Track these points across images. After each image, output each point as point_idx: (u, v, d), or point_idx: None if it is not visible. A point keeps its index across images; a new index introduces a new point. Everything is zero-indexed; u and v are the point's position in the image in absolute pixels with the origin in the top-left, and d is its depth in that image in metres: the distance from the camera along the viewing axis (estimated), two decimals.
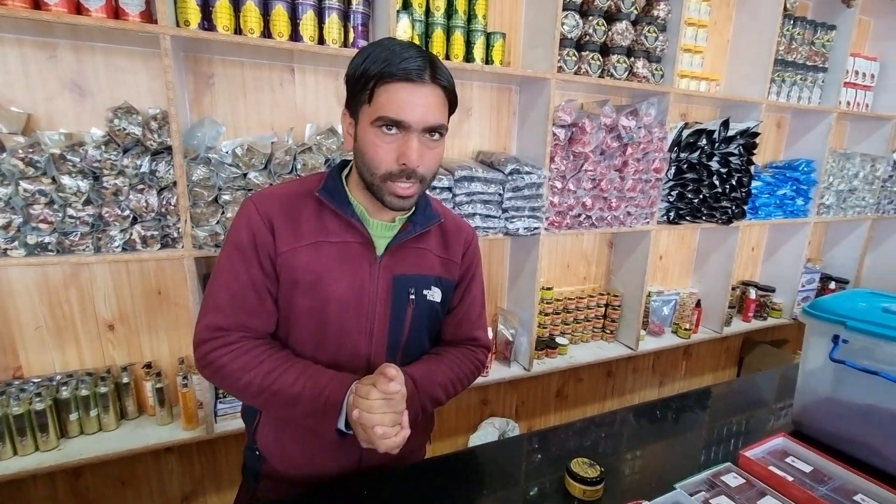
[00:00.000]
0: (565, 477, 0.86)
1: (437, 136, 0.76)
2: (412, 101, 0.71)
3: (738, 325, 2.53)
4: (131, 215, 1.27)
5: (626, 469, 0.95)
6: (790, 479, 0.84)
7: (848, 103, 2.42)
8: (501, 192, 1.66)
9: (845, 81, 2.34)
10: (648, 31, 1.77)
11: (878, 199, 2.66)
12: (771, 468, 0.86)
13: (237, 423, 1.50)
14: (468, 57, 1.61)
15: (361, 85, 0.74)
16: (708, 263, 2.47)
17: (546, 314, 2.10)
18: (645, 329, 2.33)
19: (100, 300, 1.46)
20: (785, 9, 2.02)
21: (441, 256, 0.90)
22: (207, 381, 1.45)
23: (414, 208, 0.87)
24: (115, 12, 1.19)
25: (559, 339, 2.12)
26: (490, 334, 1.89)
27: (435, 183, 1.53)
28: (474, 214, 1.64)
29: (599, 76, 1.76)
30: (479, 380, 1.88)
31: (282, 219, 0.80)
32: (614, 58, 1.75)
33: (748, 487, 0.84)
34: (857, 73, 2.40)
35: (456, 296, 0.94)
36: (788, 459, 0.92)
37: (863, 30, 2.62)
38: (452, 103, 0.79)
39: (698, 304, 2.41)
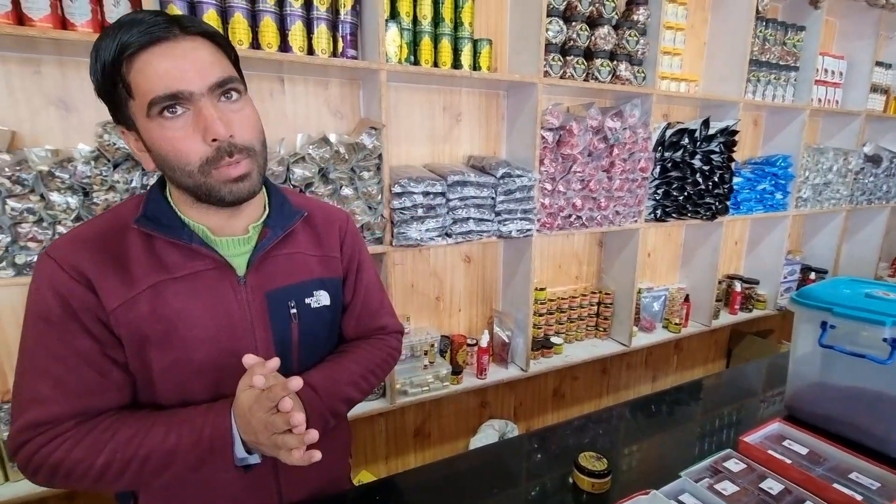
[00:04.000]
0: (573, 471, 0.88)
1: (233, 94, 0.62)
2: (175, 63, 0.57)
3: (726, 318, 2.59)
4: None
5: (630, 461, 0.97)
6: (788, 461, 0.87)
7: (819, 100, 2.51)
8: (494, 195, 1.68)
9: (816, 79, 2.43)
10: (630, 35, 1.82)
11: (852, 191, 2.76)
12: (770, 452, 0.89)
13: None
14: (456, 64, 1.63)
15: (112, 80, 0.58)
16: (694, 259, 2.53)
17: (540, 314, 2.12)
18: (637, 325, 2.37)
19: None
20: (757, 11, 2.10)
21: (316, 255, 0.79)
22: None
23: (268, 210, 0.76)
24: (101, 26, 1.18)
25: (554, 339, 2.14)
26: (487, 336, 1.90)
27: (428, 188, 1.55)
28: (468, 219, 1.65)
29: (584, 80, 1.80)
30: (478, 382, 1.90)
31: (99, 268, 0.62)
32: (598, 61, 1.79)
33: (749, 472, 0.86)
34: (826, 71, 2.50)
35: (347, 291, 0.85)
36: (785, 443, 0.95)
37: (830, 30, 2.73)
38: (230, 53, 0.65)
39: (687, 298, 2.47)
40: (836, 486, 0.81)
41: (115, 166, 1.24)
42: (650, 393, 1.29)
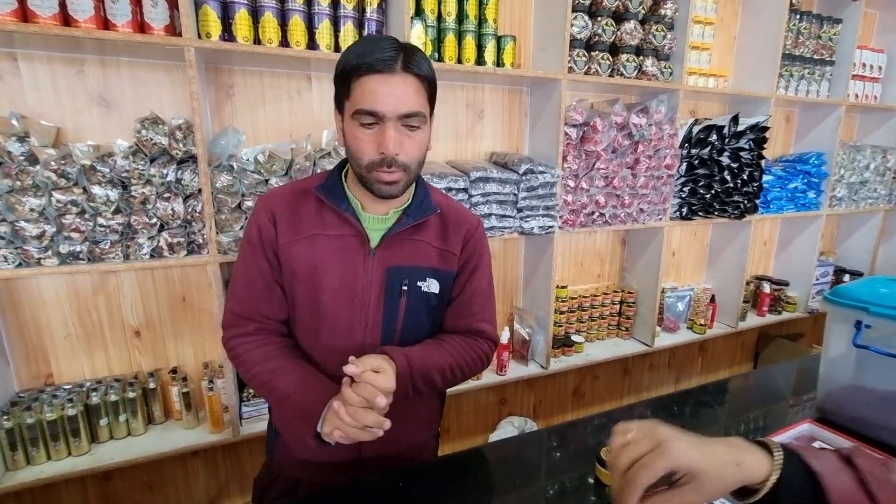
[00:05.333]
0: (595, 465, 0.88)
1: (415, 123, 0.78)
2: (383, 91, 0.74)
3: (753, 320, 2.53)
4: (158, 223, 1.31)
5: None
6: (878, 456, 0.85)
7: (856, 96, 2.42)
8: (516, 191, 1.68)
9: (853, 74, 2.34)
10: (656, 30, 1.79)
11: (890, 191, 2.65)
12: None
13: (262, 426, 1.52)
14: (480, 60, 1.64)
15: (342, 81, 0.78)
16: (721, 258, 2.47)
17: (561, 312, 2.11)
18: (660, 325, 2.33)
19: (126, 307, 1.49)
20: (791, 4, 2.03)
21: (439, 248, 0.91)
22: (232, 386, 1.48)
23: (410, 201, 0.90)
24: (141, 27, 1.23)
25: (575, 338, 2.13)
26: (507, 333, 1.90)
27: (451, 184, 1.56)
28: (490, 215, 1.66)
29: (609, 75, 1.78)
30: (497, 378, 1.90)
31: (285, 214, 0.86)
32: (624, 57, 1.77)
33: None
34: (864, 65, 2.41)
35: (456, 286, 0.95)
36: (815, 444, 0.93)
37: (869, 22, 2.63)
38: (431, 91, 0.81)
39: (712, 299, 2.42)
40: None
41: (152, 160, 1.29)
42: (673, 392, 1.26)
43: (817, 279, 2.63)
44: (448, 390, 1.68)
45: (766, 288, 2.56)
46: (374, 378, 0.73)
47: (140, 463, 1.39)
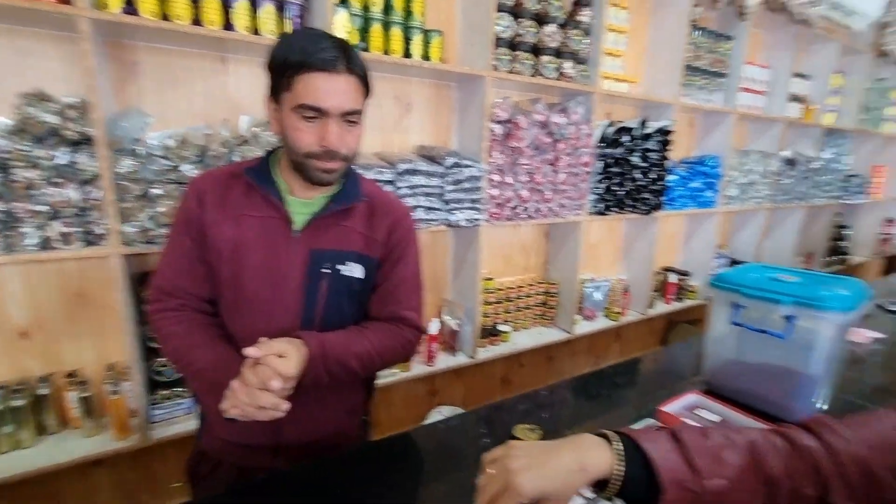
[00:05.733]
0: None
1: (354, 119, 0.84)
2: (328, 89, 0.78)
3: (661, 307, 2.77)
4: (50, 211, 1.18)
5: (563, 432, 1.04)
6: (698, 426, 0.97)
7: (746, 106, 2.73)
8: (443, 184, 1.71)
9: (742, 87, 2.63)
10: (575, 35, 1.90)
11: (772, 192, 3.02)
12: (683, 419, 0.98)
13: (176, 429, 1.44)
14: (407, 53, 1.64)
15: (281, 73, 0.80)
16: (633, 251, 2.68)
17: (489, 303, 2.19)
18: (580, 314, 2.49)
19: (11, 305, 1.33)
20: (692, 20, 2.24)
21: (364, 234, 0.94)
22: (141, 388, 1.38)
23: (340, 188, 0.93)
24: None
25: (502, 327, 2.21)
26: (437, 325, 1.94)
27: (378, 176, 1.56)
28: (417, 207, 1.68)
29: (532, 76, 1.86)
30: (427, 369, 1.93)
31: (213, 194, 0.88)
32: (545, 58, 1.86)
33: None
34: (752, 79, 2.71)
35: (381, 274, 0.97)
36: (697, 411, 1.05)
37: (756, 41, 2.97)
38: (367, 88, 0.86)
39: (626, 289, 2.62)
40: None
41: (38, 141, 1.16)
42: (585, 372, 1.36)
43: (714, 270, 2.93)
44: (377, 383, 1.72)
45: (672, 278, 2.82)
46: (273, 362, 0.75)
47: (30, 478, 1.25)
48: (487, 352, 2.12)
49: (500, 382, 2.51)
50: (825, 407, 1.11)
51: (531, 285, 2.33)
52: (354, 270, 0.92)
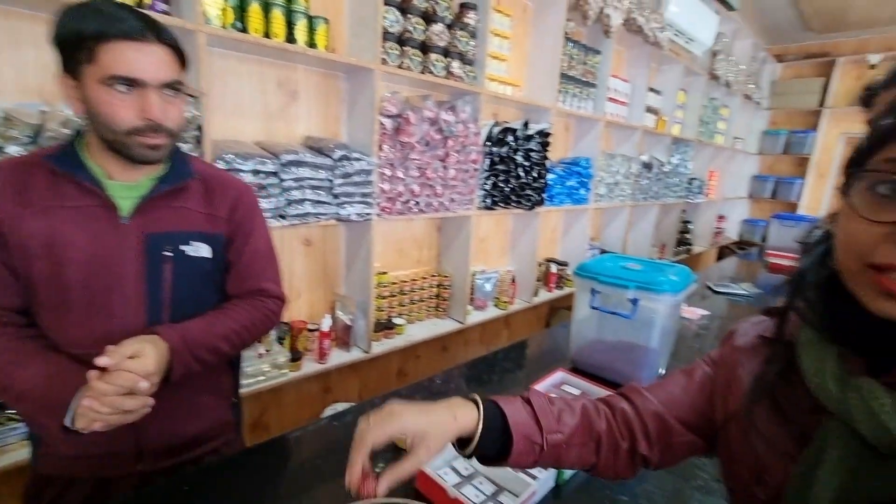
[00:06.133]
0: None
1: (175, 90, 0.80)
2: (142, 59, 0.73)
3: (545, 295, 3.02)
4: None
5: None
6: (545, 394, 1.09)
7: (612, 114, 3.08)
8: (332, 177, 1.67)
9: (608, 97, 2.97)
10: (461, 36, 1.98)
11: (633, 191, 3.46)
12: (550, 395, 1.09)
13: (8, 458, 1.21)
14: (290, 38, 1.57)
15: (77, 45, 0.72)
16: (519, 244, 2.89)
17: (383, 297, 2.19)
18: (472, 304, 2.61)
19: None
20: (566, 32, 2.46)
21: (204, 213, 0.90)
22: None
23: (167, 168, 0.87)
24: None
25: (396, 320, 2.23)
26: (329, 321, 1.89)
27: (259, 167, 1.46)
28: (304, 200, 1.62)
29: (421, 72, 1.89)
30: (319, 367, 1.89)
31: (7, 187, 0.78)
32: (433, 56, 1.91)
33: None
34: (616, 91, 3.07)
35: (233, 251, 0.95)
36: (563, 387, 1.18)
37: (619, 57, 3.35)
38: (182, 60, 0.82)
39: (513, 279, 2.81)
40: None
41: None
42: (468, 360, 1.44)
43: (587, 260, 3.27)
44: (265, 384, 1.65)
45: (553, 268, 3.09)
46: (129, 364, 0.71)
47: None
48: (382, 345, 2.13)
49: (397, 375, 2.54)
50: (663, 371, 1.31)
51: (424, 278, 2.38)
52: (201, 250, 0.88)
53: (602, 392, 1.14)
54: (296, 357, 1.83)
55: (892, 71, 0.90)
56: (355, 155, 1.71)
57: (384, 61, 1.76)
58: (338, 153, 1.65)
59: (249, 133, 1.69)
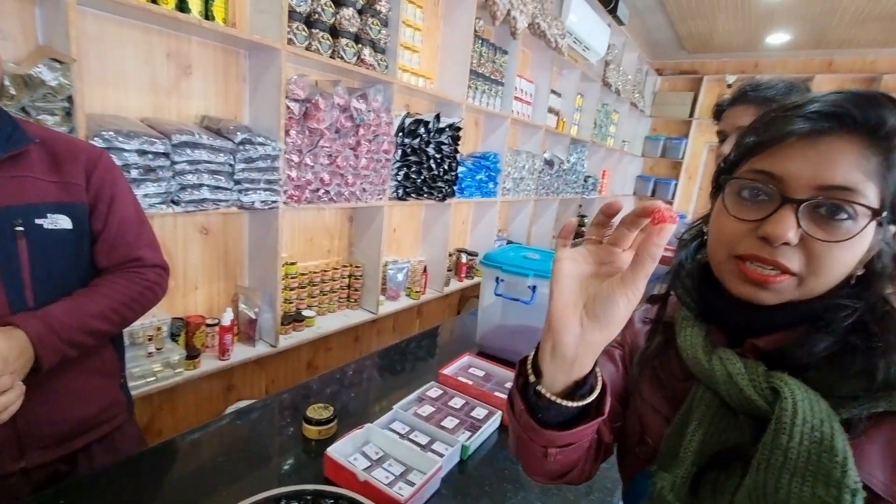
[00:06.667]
0: (302, 424, 0.94)
1: None
2: None
3: (455, 285, 3.12)
4: None
5: (357, 405, 1.10)
6: (470, 382, 1.15)
7: (518, 112, 3.25)
8: (232, 162, 1.56)
9: (515, 96, 3.13)
10: (373, 23, 1.95)
11: (537, 186, 3.69)
12: (459, 378, 1.16)
13: None
14: (183, 6, 1.43)
15: None
16: (431, 235, 2.94)
17: (291, 289, 2.11)
18: (384, 295, 2.62)
19: None
20: (475, 30, 2.54)
21: (54, 181, 0.83)
22: None
23: None
24: None
25: (306, 312, 2.17)
26: (230, 314, 1.78)
27: (147, 147, 1.33)
28: (201, 185, 1.50)
29: (331, 56, 1.84)
30: (220, 364, 1.78)
31: None
32: (343, 41, 1.86)
33: (444, 395, 1.10)
34: (522, 90, 3.24)
35: (97, 220, 0.88)
36: (471, 370, 1.25)
37: (525, 58, 3.54)
38: None
39: (425, 269, 2.86)
40: (496, 393, 1.11)
41: None
42: (377, 350, 1.46)
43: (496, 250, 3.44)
44: (156, 386, 1.53)
45: (464, 258, 3.20)
46: None
47: None
48: (291, 338, 2.06)
49: (307, 367, 2.47)
50: None
51: (336, 269, 2.33)
52: (60, 222, 0.82)
53: (505, 373, 1.23)
54: (192, 355, 1.70)
55: (736, 91, 1.09)
56: (259, 139, 1.62)
57: (291, 41, 1.68)
58: (239, 136, 1.55)
59: (134, 108, 1.51)
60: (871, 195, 0.42)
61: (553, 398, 0.44)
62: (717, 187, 0.51)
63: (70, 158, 0.85)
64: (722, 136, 1.13)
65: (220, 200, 1.57)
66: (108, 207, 0.88)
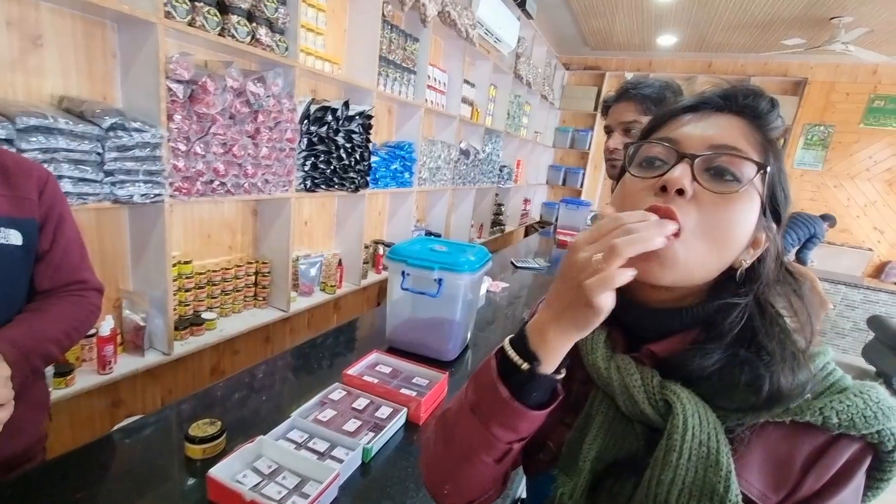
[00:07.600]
0: (185, 444, 0.86)
1: None
2: None
3: (373, 277, 3.06)
4: None
5: (248, 415, 1.03)
6: (375, 381, 1.13)
7: (431, 102, 3.23)
8: (100, 150, 1.37)
9: (428, 84, 3.10)
10: (268, 1, 1.80)
11: (454, 176, 3.72)
12: (364, 377, 1.13)
13: None
14: None
15: None
16: (345, 227, 2.85)
17: (187, 290, 1.93)
18: (296, 291, 2.49)
19: None
20: (383, 15, 2.46)
21: (6, 195, 0.81)
22: None
23: None
24: None
25: (206, 315, 2.00)
26: (110, 323, 1.58)
27: None
28: (60, 177, 1.29)
29: (220, 34, 1.67)
30: (102, 378, 1.59)
31: None
32: (234, 18, 1.70)
33: (348, 396, 1.07)
34: (435, 79, 3.22)
35: (45, 239, 0.87)
36: (377, 367, 1.22)
37: (437, 47, 3.52)
38: None
39: (340, 262, 2.77)
40: (402, 390, 1.10)
41: None
42: (271, 356, 1.36)
43: None
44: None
45: (381, 250, 3.14)
46: None
47: None
48: (188, 344, 1.89)
49: (212, 374, 2.28)
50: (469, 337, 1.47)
51: (239, 266, 2.17)
52: (10, 237, 0.80)
53: (414, 368, 1.22)
54: (64, 371, 1.49)
55: (619, 90, 1.16)
56: (135, 125, 1.43)
57: (169, 14, 1.50)
58: (108, 121, 1.36)
59: None
60: (755, 159, 0.47)
61: (548, 374, 0.47)
62: (621, 173, 0.56)
63: (22, 174, 0.83)
64: (608, 130, 1.21)
65: (88, 194, 1.37)
66: (55, 227, 0.87)
